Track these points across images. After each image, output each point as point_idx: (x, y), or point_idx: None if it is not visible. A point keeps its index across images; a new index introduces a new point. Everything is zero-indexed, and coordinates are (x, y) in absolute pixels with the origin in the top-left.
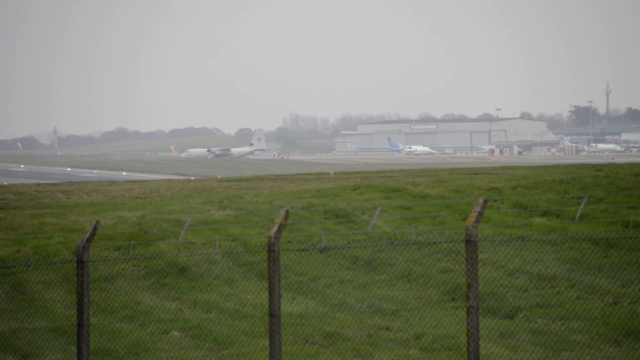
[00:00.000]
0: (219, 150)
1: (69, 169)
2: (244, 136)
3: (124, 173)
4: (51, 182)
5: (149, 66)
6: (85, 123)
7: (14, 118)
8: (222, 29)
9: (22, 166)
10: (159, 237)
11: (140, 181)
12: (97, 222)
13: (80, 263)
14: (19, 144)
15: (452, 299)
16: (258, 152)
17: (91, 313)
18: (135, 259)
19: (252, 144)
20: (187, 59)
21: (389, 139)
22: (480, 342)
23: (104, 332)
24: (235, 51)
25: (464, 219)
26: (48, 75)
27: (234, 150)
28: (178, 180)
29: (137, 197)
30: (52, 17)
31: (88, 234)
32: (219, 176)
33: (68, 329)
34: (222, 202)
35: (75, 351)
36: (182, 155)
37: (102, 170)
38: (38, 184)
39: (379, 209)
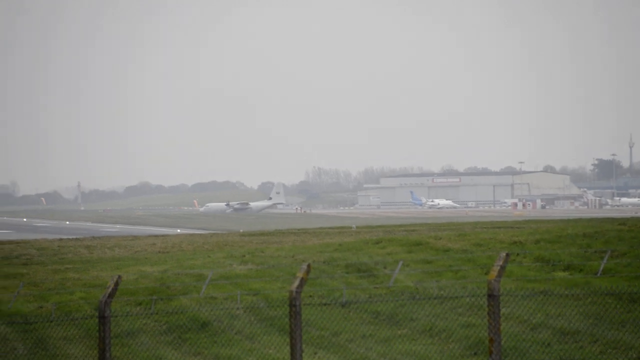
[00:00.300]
0: (238, 204)
1: (91, 224)
2: (267, 190)
3: (147, 227)
4: (74, 237)
5: (170, 120)
6: (109, 178)
7: (37, 173)
8: (244, 83)
9: (45, 221)
10: (181, 292)
11: (162, 236)
12: (119, 277)
13: (102, 318)
14: (42, 199)
15: (475, 354)
16: (280, 206)
17: None
18: (157, 314)
19: (270, 198)
20: (207, 111)
21: (411, 192)
22: None
23: None
24: (254, 104)
25: (486, 273)
26: (70, 130)
27: (253, 204)
28: (200, 234)
29: (159, 252)
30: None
31: (110, 289)
32: (241, 230)
33: None
34: (244, 256)
35: None
36: (201, 209)
37: (124, 225)
38: (61, 239)
39: (401, 262)
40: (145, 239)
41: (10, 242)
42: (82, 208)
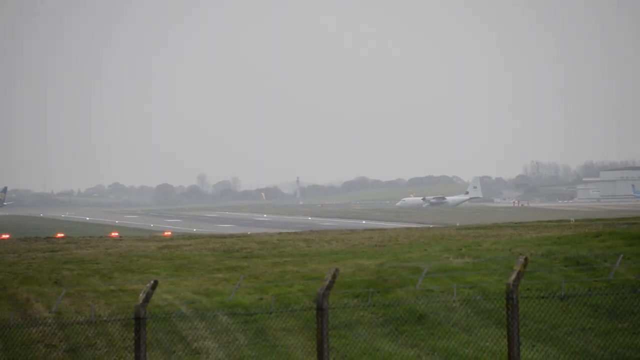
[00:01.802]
0: (434, 198)
1: (310, 218)
2: (483, 184)
3: (364, 222)
4: (293, 231)
5: (387, 116)
6: (327, 173)
7: (258, 169)
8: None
9: (265, 216)
10: (397, 284)
11: (379, 229)
12: (337, 269)
13: (320, 310)
14: (262, 194)
15: None
16: (499, 199)
17: (331, 359)
18: (373, 306)
19: (467, 192)
20: (421, 106)
21: (633, 185)
22: None
23: None
24: (464, 103)
25: None
26: (288, 128)
27: (449, 198)
28: (417, 228)
29: (375, 245)
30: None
31: (327, 282)
32: (457, 224)
33: None
34: (460, 249)
35: None
36: (397, 204)
37: (342, 219)
38: (280, 233)
39: (621, 256)
40: (362, 233)
41: (231, 236)
42: (301, 202)
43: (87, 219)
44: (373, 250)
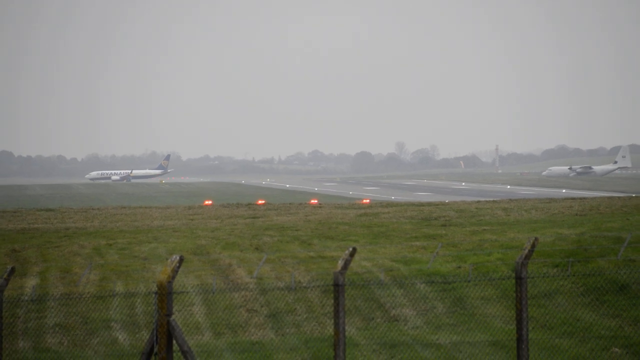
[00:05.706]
0: (580, 168)
1: (508, 187)
2: None
3: (563, 190)
4: (491, 199)
5: (590, 82)
6: (526, 141)
7: (456, 137)
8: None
9: (463, 184)
10: (598, 254)
11: (580, 198)
12: (536, 239)
13: (519, 279)
14: (461, 162)
15: None
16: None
17: (530, 328)
18: (573, 275)
19: (616, 162)
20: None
21: None
22: None
23: (543, 348)
24: None
25: None
26: (485, 95)
27: (597, 168)
28: (619, 197)
29: (576, 215)
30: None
31: (526, 251)
32: None
33: (507, 344)
34: None
35: None
36: (543, 173)
37: (541, 187)
38: (478, 202)
39: None
40: (562, 202)
41: (429, 204)
42: (500, 171)
43: (287, 186)
44: (573, 220)
